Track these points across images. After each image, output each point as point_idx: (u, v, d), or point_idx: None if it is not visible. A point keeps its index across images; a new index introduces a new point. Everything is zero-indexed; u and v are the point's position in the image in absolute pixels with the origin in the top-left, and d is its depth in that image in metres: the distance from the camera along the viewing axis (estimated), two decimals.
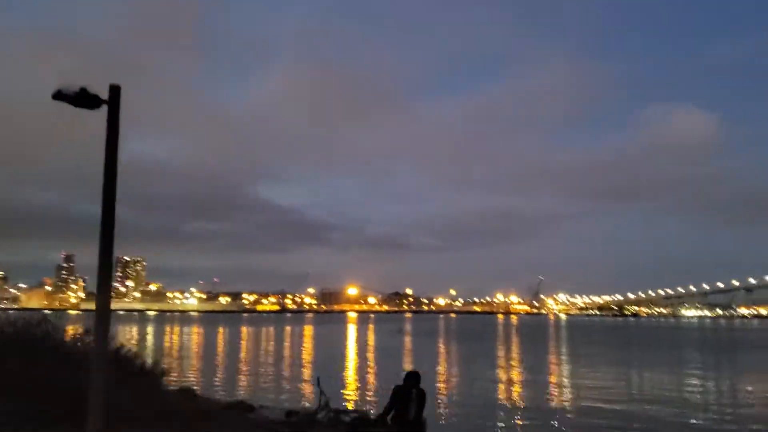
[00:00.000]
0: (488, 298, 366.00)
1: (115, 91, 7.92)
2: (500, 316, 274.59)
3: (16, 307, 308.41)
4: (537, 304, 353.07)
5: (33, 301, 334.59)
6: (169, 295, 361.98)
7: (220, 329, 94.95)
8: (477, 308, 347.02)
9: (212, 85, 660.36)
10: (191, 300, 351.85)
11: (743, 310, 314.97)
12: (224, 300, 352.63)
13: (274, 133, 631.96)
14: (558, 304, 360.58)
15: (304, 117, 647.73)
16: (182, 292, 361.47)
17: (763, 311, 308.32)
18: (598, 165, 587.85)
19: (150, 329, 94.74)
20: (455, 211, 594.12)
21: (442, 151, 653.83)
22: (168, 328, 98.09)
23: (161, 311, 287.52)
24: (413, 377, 9.58)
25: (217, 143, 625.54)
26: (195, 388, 22.54)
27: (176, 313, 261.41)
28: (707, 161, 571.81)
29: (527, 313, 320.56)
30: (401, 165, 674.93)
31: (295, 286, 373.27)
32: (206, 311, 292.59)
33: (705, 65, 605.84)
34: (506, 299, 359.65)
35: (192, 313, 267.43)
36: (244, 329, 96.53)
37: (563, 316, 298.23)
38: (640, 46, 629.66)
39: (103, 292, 7.18)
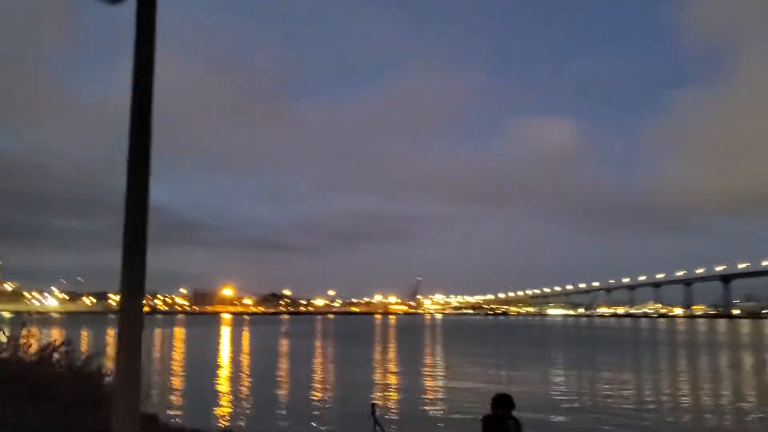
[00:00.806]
0: (367, 299, 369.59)
1: None
2: (378, 317, 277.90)
3: None
4: (414, 304, 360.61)
5: None
6: (27, 295, 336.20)
7: (83, 332, 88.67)
8: (355, 309, 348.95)
9: (84, 76, 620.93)
10: (52, 300, 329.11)
11: (603, 310, 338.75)
12: (89, 300, 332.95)
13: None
14: (434, 304, 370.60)
15: (182, 113, 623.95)
16: (41, 292, 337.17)
17: (620, 311, 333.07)
18: (469, 170, 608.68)
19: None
20: (332, 213, 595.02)
21: (320, 153, 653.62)
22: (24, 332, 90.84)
23: (17, 312, 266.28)
24: (505, 402, 7.47)
25: (88, 137, 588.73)
26: None
27: (35, 315, 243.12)
28: (569, 170, 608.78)
29: (405, 313, 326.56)
30: (279, 166, 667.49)
31: (166, 287, 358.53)
32: (69, 312, 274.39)
33: (568, 79, 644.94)
34: (385, 300, 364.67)
35: (53, 315, 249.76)
36: (111, 332, 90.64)
37: (439, 316, 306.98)
38: (508, 59, 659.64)
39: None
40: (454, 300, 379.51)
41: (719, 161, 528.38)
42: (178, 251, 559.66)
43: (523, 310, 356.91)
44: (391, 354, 52.62)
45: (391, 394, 27.52)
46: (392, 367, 40.35)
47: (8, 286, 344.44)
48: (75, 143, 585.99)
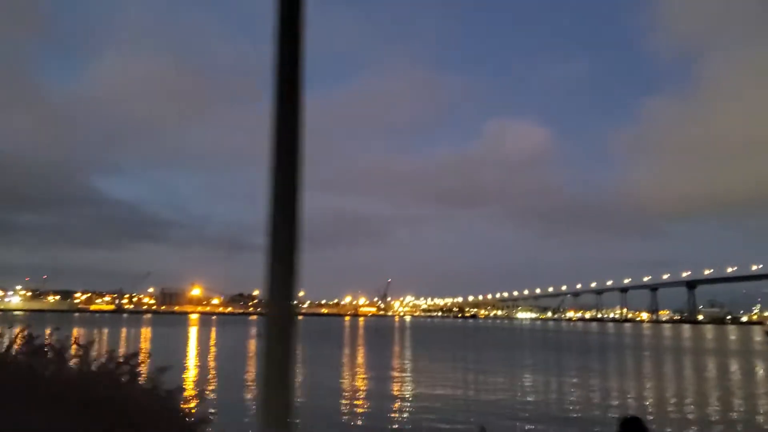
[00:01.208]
0: (336, 300, 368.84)
1: None
2: (347, 318, 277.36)
3: None
4: (384, 306, 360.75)
5: None
6: None
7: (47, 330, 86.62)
8: (324, 310, 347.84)
9: (47, 70, 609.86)
10: (14, 298, 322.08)
11: (570, 314, 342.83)
12: (53, 298, 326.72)
13: (114, 124, 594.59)
14: (404, 306, 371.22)
15: (147, 109, 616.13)
16: (4, 290, 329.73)
17: (587, 315, 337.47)
18: (440, 171, 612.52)
19: None
20: (305, 214, 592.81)
21: None
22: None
23: None
24: (636, 427, 6.40)
25: (50, 131, 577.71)
26: None
27: None
28: (540, 174, 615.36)
29: (374, 315, 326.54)
30: (245, 163, 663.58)
31: (133, 285, 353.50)
32: (32, 310, 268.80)
33: (541, 83, 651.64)
34: (354, 301, 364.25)
35: (15, 313, 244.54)
36: (75, 331, 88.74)
37: (408, 318, 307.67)
38: (484, 62, 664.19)
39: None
40: (424, 302, 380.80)
41: (688, 166, 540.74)
42: (147, 249, 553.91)
43: (492, 313, 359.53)
44: (360, 357, 52.37)
45: (359, 400, 27.33)
46: (360, 370, 40.14)
47: None
48: (43, 138, 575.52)
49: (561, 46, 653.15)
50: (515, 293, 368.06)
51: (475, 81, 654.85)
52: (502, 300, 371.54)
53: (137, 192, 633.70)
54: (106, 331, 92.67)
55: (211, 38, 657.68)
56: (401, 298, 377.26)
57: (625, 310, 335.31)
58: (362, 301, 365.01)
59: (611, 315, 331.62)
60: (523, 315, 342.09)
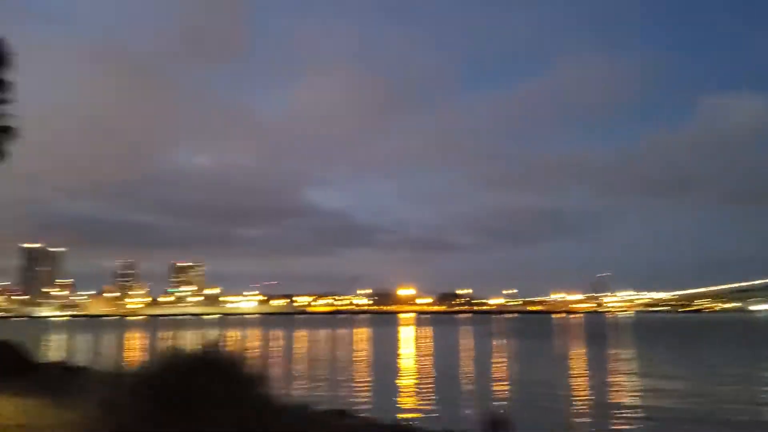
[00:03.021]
0: (545, 297, 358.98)
1: None
2: (558, 316, 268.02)
3: (83, 313, 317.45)
4: (597, 302, 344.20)
5: (98, 307, 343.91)
6: (226, 299, 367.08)
7: (300, 333, 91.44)
8: (534, 308, 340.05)
9: (254, 94, 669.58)
10: (246, 303, 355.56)
11: None
12: (278, 302, 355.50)
13: (317, 138, 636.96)
14: (618, 302, 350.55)
15: (348, 121, 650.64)
16: (238, 296, 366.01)
17: None
18: (640, 159, 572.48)
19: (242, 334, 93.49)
20: (491, 210, 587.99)
21: (476, 149, 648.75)
22: (249, 333, 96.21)
23: (222, 315, 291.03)
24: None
25: (264, 151, 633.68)
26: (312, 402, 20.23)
27: (235, 317, 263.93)
28: (754, 149, 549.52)
29: (587, 312, 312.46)
30: (433, 164, 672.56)
31: (346, 288, 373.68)
32: (262, 313, 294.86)
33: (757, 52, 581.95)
34: (565, 298, 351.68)
35: (250, 316, 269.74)
36: (322, 333, 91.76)
37: (627, 314, 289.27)
38: (683, 38, 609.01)
39: None
40: (641, 297, 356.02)
41: None
42: (356, 254, 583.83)
43: (721, 306, 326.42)
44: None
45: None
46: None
47: (211, 291, 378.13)
48: (260, 158, 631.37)
49: None
50: (747, 283, 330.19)
51: (681, 58, 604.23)
52: (733, 291, 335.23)
53: (345, 201, 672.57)
54: (344, 331, 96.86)
55: (399, 49, 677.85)
56: (615, 294, 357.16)
57: None
58: (573, 297, 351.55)
59: None
60: (762, 307, 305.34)
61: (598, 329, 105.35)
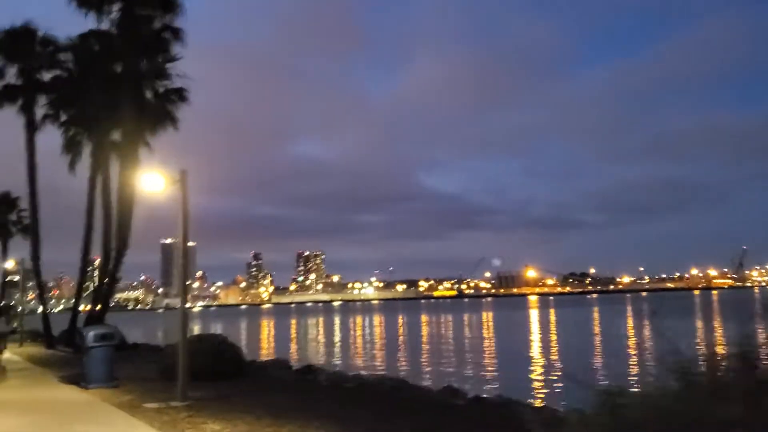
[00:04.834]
0: (679, 274, 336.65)
1: None
2: (696, 292, 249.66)
3: (216, 303, 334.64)
4: (739, 277, 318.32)
5: (230, 297, 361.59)
6: (348, 285, 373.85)
7: (445, 318, 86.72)
8: (670, 285, 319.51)
9: (368, 78, 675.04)
10: (369, 289, 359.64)
11: None
12: (400, 288, 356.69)
13: (430, 120, 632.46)
14: (764, 275, 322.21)
15: (457, 101, 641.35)
16: (360, 282, 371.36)
17: None
18: None
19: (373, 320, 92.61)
20: (618, 184, 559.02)
21: (597, 122, 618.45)
22: (398, 319, 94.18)
23: (345, 301, 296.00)
24: None
25: (377, 136, 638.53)
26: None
27: (358, 303, 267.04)
28: None
29: (729, 288, 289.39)
30: (554, 141, 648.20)
31: (469, 271, 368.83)
32: (385, 299, 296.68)
33: None
34: (702, 273, 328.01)
35: (373, 302, 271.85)
36: (466, 317, 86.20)
37: None
38: None
39: None
40: None
41: None
42: (473, 236, 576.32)
43: None
44: None
45: None
46: None
47: (334, 278, 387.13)
48: (372, 143, 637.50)
49: None
50: None
51: None
52: None
53: (458, 183, 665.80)
54: (488, 314, 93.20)
55: (508, 22, 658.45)
56: (759, 267, 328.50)
57: None
58: (712, 272, 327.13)
59: None
60: None
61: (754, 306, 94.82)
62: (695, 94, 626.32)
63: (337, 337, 54.31)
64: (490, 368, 27.01)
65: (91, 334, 14.65)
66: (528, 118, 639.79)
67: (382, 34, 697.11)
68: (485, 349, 37.18)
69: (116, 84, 23.46)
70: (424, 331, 59.13)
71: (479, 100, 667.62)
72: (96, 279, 31.03)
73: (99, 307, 27.51)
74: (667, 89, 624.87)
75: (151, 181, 12.28)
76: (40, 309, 35.23)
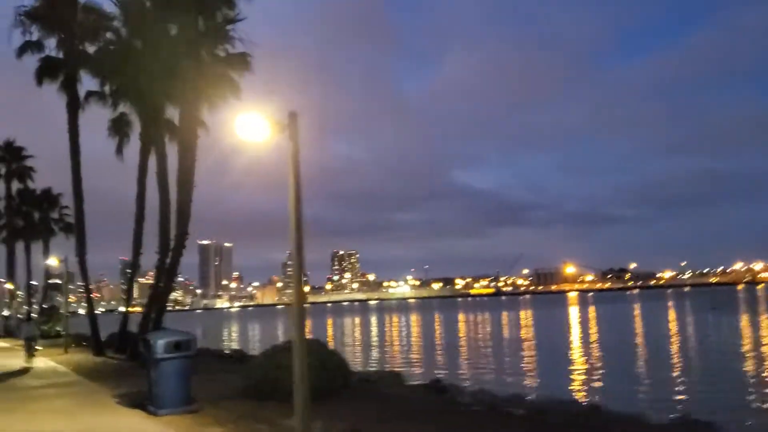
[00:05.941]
0: (723, 267, 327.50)
1: None
2: (740, 287, 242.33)
3: (253, 303, 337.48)
4: None
5: (266, 297, 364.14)
6: (383, 284, 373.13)
7: (482, 317, 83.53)
8: (713, 279, 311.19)
9: (402, 76, 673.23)
10: (404, 288, 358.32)
11: None
12: (436, 286, 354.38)
13: (466, 117, 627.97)
14: None
15: (494, 96, 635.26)
16: (396, 281, 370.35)
17: None
18: None
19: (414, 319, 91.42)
20: (658, 178, 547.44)
21: (635, 116, 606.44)
22: (435, 318, 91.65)
23: (380, 300, 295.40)
24: None
25: (413, 134, 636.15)
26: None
27: (393, 302, 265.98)
28: None
29: None
30: (593, 135, 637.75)
31: (506, 268, 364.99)
32: (422, 297, 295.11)
33: None
34: (746, 267, 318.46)
35: (410, 300, 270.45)
36: (504, 315, 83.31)
37: None
38: None
39: None
40: None
41: None
42: (512, 233, 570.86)
43: None
44: None
45: None
46: None
47: (369, 277, 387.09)
48: (408, 141, 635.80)
49: None
50: None
51: None
52: None
53: (496, 179, 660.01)
54: (528, 312, 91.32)
55: (544, 17, 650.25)
56: None
57: None
58: (758, 266, 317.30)
59: None
60: None
61: None
62: (737, 85, 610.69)
63: (416, 339, 48.61)
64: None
65: (161, 342, 11.58)
66: (565, 113, 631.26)
67: (417, 32, 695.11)
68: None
69: (172, 47, 20.44)
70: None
71: (514, 96, 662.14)
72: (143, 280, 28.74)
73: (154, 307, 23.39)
74: (707, 81, 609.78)
75: (251, 127, 8.18)
76: (81, 310, 34.16)
